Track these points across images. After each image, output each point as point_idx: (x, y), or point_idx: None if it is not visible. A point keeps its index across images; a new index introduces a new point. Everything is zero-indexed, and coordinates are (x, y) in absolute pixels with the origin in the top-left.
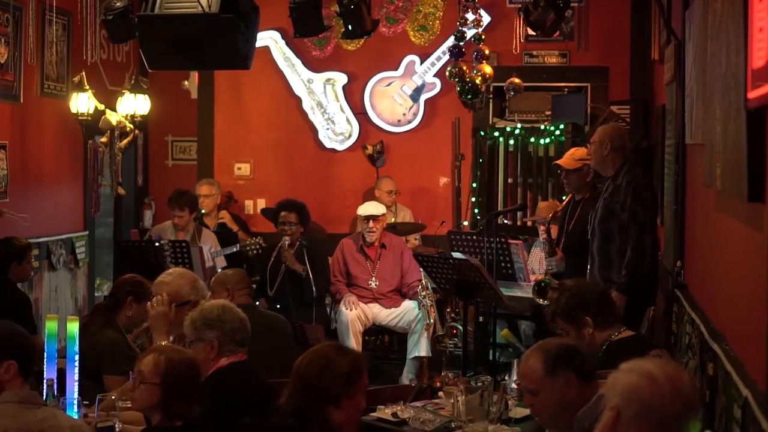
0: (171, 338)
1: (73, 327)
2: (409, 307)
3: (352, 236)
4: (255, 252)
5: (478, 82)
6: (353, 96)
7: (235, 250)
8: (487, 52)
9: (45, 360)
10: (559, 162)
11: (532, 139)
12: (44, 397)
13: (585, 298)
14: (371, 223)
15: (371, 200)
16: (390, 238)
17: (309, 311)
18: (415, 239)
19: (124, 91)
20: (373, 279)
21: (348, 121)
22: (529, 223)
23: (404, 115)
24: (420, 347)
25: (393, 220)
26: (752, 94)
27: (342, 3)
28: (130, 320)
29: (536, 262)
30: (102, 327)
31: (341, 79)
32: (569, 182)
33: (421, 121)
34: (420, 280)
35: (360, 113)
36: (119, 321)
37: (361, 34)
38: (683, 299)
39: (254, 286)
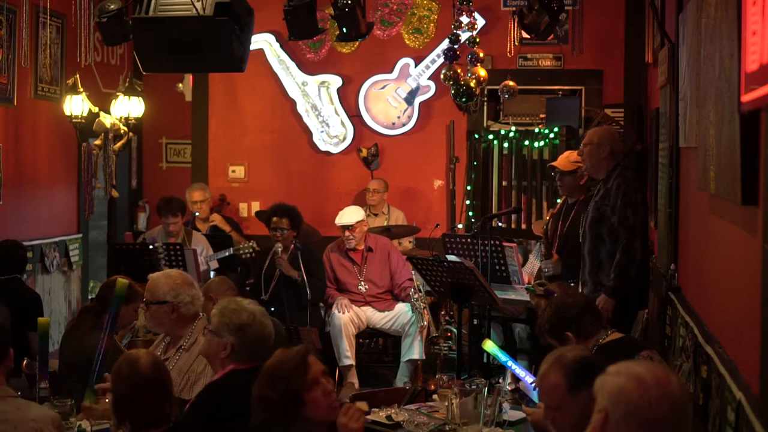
0: (165, 342)
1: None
2: (402, 309)
3: (336, 243)
4: (248, 255)
5: (472, 85)
6: (348, 99)
7: (228, 254)
8: (481, 55)
9: (38, 361)
10: (554, 164)
11: (527, 142)
12: (36, 399)
13: (563, 315)
14: (347, 233)
15: (365, 203)
16: (376, 240)
17: (303, 314)
18: (410, 242)
19: (118, 93)
20: (362, 283)
21: (342, 123)
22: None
23: (399, 117)
24: (414, 350)
25: (386, 222)
26: (746, 98)
27: (336, 6)
28: (118, 321)
29: (533, 269)
30: (91, 329)
31: (336, 81)
32: (563, 184)
33: (415, 123)
34: (411, 280)
35: (354, 116)
36: None
37: (355, 37)
38: (677, 302)
39: (248, 288)
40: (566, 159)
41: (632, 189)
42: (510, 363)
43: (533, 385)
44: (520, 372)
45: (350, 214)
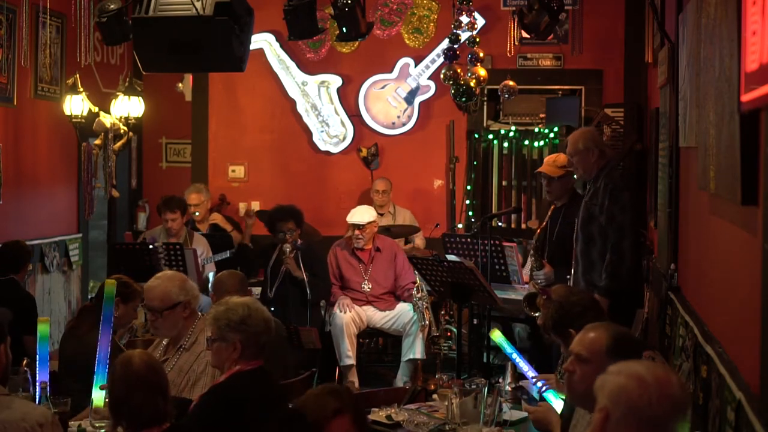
0: (165, 341)
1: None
2: (403, 309)
3: (344, 240)
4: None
5: (472, 84)
6: (348, 98)
7: (226, 256)
8: (481, 54)
9: (37, 362)
10: (542, 170)
11: (527, 142)
12: (37, 400)
13: (567, 313)
14: (357, 231)
15: (366, 203)
16: (383, 241)
17: (304, 314)
18: (410, 241)
19: (118, 93)
20: (366, 282)
21: (342, 123)
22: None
23: (399, 117)
24: (414, 350)
25: (392, 222)
26: (745, 98)
27: (336, 5)
28: (117, 321)
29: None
30: (90, 329)
31: (336, 81)
32: (552, 190)
33: (415, 123)
34: (414, 283)
35: (354, 116)
36: None
37: (355, 37)
38: (677, 302)
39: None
40: (553, 165)
41: (619, 188)
42: (515, 355)
43: (534, 380)
44: (523, 365)
45: (362, 214)
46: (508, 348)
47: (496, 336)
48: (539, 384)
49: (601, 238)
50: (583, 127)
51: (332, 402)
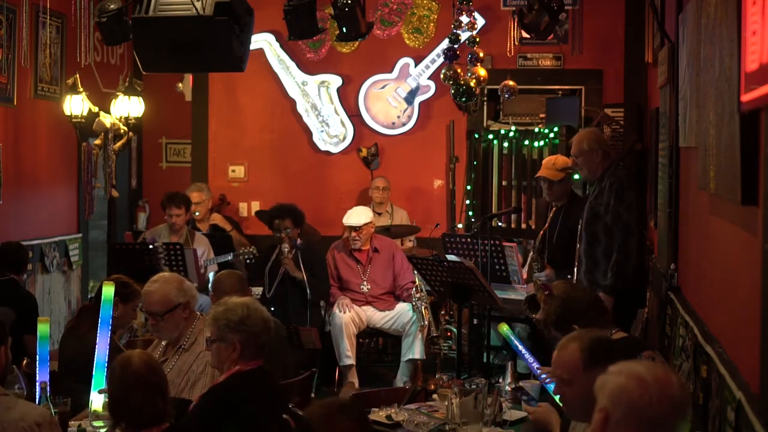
0: (164, 342)
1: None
2: (403, 309)
3: (341, 241)
4: (249, 261)
5: (472, 84)
6: (348, 98)
7: (228, 258)
8: (481, 54)
9: (37, 362)
10: (542, 175)
11: (527, 142)
12: (37, 400)
13: (571, 309)
14: (353, 233)
15: (365, 203)
16: (381, 241)
17: (303, 314)
18: (410, 241)
19: (118, 93)
20: (365, 283)
21: (342, 123)
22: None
23: (399, 117)
24: (414, 350)
25: (390, 222)
26: (745, 98)
27: (336, 5)
28: (117, 321)
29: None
30: (90, 329)
31: (336, 81)
32: (552, 193)
33: (415, 123)
34: (413, 282)
35: (354, 116)
36: None
37: (355, 37)
38: (677, 302)
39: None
40: (553, 168)
41: (624, 187)
42: (521, 347)
43: (539, 371)
44: (529, 358)
45: (358, 215)
46: (515, 341)
47: (504, 329)
48: (543, 375)
49: (606, 238)
50: (587, 128)
51: (344, 422)
